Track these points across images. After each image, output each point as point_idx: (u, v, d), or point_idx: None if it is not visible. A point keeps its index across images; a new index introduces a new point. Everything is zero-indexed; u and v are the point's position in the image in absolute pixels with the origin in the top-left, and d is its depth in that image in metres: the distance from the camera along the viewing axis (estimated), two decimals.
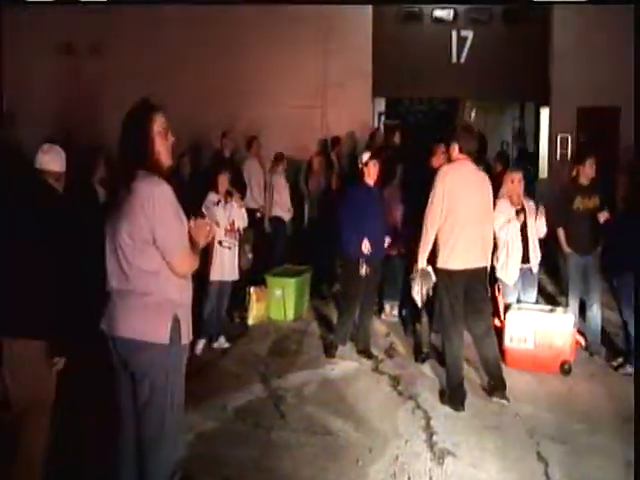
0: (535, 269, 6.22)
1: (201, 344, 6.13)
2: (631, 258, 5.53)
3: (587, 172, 6.33)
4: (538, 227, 6.17)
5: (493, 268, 6.05)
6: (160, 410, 2.99)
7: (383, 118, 12.48)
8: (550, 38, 10.88)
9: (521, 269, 6.14)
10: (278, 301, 7.20)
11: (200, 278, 5.56)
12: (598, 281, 6.33)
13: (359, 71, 10.65)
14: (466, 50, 11.09)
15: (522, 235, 6.08)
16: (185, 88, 10.27)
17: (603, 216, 5.97)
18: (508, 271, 6.11)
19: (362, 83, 10.74)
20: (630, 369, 5.74)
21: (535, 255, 6.17)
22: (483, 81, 11.08)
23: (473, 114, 14.43)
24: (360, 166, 6.20)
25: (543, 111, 11.63)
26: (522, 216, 6.02)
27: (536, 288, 6.37)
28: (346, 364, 5.97)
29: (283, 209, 8.53)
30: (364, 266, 5.96)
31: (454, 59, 11.11)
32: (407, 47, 10.96)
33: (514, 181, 6.16)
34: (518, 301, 6.21)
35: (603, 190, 6.39)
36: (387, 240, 6.23)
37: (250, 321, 7.08)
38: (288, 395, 5.22)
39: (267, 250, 8.10)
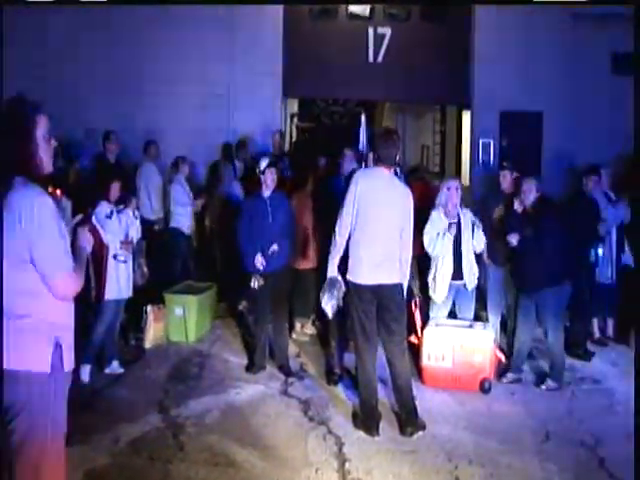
0: (471, 286, 6.42)
1: (87, 370, 6.02)
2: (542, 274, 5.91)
3: (507, 181, 6.68)
4: (476, 240, 6.36)
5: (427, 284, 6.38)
6: (39, 447, 2.89)
7: (296, 120, 12.63)
8: (471, 38, 11.32)
9: (452, 286, 6.36)
10: (178, 321, 7.16)
11: (86, 296, 5.50)
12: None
13: (268, 70, 10.74)
14: (384, 49, 11.37)
15: (455, 250, 6.28)
16: (72, 87, 10.11)
17: (513, 238, 6.17)
18: (436, 287, 6.34)
19: (271, 83, 10.83)
20: (552, 383, 6.08)
21: (470, 271, 6.37)
22: (402, 82, 11.34)
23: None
24: (257, 174, 6.29)
25: (465, 115, 12.09)
26: (454, 229, 6.23)
27: (473, 305, 6.57)
28: (252, 388, 6.01)
29: (184, 220, 8.45)
30: (256, 279, 6.14)
31: (371, 58, 11.35)
32: (321, 45, 11.10)
33: (450, 189, 6.38)
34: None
35: None
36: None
37: (147, 344, 7.00)
38: (188, 424, 5.21)
39: (165, 265, 8.04)
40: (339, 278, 5.19)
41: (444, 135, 13.69)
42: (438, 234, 6.24)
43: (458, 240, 6.30)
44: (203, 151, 9.87)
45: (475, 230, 6.36)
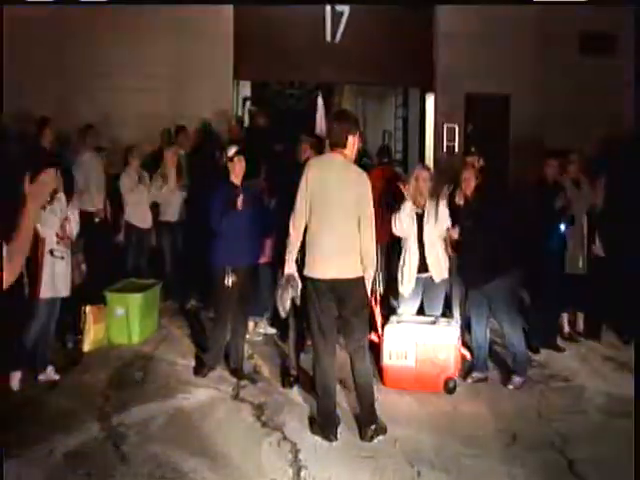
0: (438, 278, 6.44)
1: (17, 377, 5.88)
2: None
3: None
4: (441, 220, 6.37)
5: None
6: None
7: (248, 104, 12.53)
8: (435, 17, 11.37)
9: (419, 279, 6.40)
10: (120, 322, 7.07)
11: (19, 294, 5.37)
12: None
13: (218, 50, 10.63)
14: (342, 28, 11.36)
15: (420, 240, 6.36)
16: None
17: (454, 233, 6.25)
18: (403, 281, 6.40)
19: (222, 64, 10.73)
20: (518, 379, 6.16)
21: (437, 263, 6.40)
22: (361, 63, 11.35)
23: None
24: (224, 162, 6.24)
25: (428, 98, 12.14)
26: (414, 219, 6.32)
27: (442, 299, 6.60)
28: (202, 392, 5.95)
29: (137, 214, 8.40)
30: (230, 275, 6.05)
31: (328, 38, 11.33)
32: (275, 24, 11.03)
33: (418, 179, 6.42)
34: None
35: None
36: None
37: (86, 347, 6.88)
38: (131, 433, 5.13)
39: (105, 261, 7.91)
40: (296, 274, 5.17)
41: (406, 120, 13.72)
42: (406, 217, 6.35)
43: (422, 230, 6.38)
44: (147, 138, 9.71)
45: (440, 209, 6.38)
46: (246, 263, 6.26)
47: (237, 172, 6.25)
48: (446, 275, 6.49)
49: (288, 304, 5.27)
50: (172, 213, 8.47)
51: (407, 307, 6.50)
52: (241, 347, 6.44)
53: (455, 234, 6.25)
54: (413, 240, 6.39)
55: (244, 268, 6.23)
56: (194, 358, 6.69)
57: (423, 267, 6.38)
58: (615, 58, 11.18)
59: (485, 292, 6.16)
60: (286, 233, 5.24)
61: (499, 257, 6.02)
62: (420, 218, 6.41)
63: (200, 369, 6.34)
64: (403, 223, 6.39)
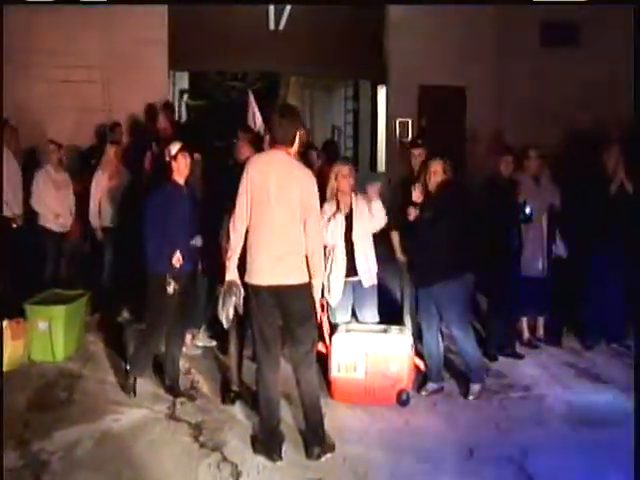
0: (368, 283, 6.48)
1: None
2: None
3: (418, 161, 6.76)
4: (375, 217, 6.40)
5: None
6: None
7: (186, 97, 12.48)
8: (387, 6, 11.43)
9: (347, 283, 6.42)
10: (42, 337, 6.92)
11: None
12: None
13: (152, 39, 10.53)
14: (286, 15, 11.36)
15: (347, 241, 6.36)
16: None
17: (411, 213, 6.24)
18: (330, 287, 6.39)
19: (156, 54, 10.65)
20: (475, 386, 6.22)
21: (366, 266, 6.44)
22: (308, 53, 11.38)
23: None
24: (168, 159, 6.16)
25: (380, 91, 12.22)
26: (340, 219, 6.31)
27: (374, 305, 6.62)
28: (134, 412, 5.86)
29: (52, 217, 8.29)
30: (172, 283, 5.98)
31: (272, 26, 11.34)
32: (214, 10, 10.96)
33: (337, 176, 6.42)
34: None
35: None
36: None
37: (3, 366, 6.71)
38: (54, 460, 5.01)
39: (24, 271, 7.76)
40: (238, 281, 5.14)
41: (357, 114, 13.80)
42: (329, 219, 6.33)
43: (350, 231, 6.39)
44: (85, 133, 9.60)
45: (372, 206, 6.38)
46: (187, 270, 6.18)
47: (181, 171, 6.14)
48: (375, 281, 6.54)
49: (231, 313, 5.22)
50: (106, 217, 8.35)
51: (339, 316, 6.51)
52: (177, 361, 6.36)
53: (411, 216, 6.20)
54: (340, 244, 6.38)
55: (185, 275, 6.16)
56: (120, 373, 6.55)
57: (352, 271, 6.41)
58: (577, 49, 11.38)
59: (435, 294, 6.20)
60: (223, 237, 5.24)
61: (454, 257, 6.07)
62: (346, 219, 6.38)
63: (125, 382, 6.20)
64: (327, 228, 6.32)
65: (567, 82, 11.16)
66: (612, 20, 10.52)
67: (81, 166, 9.09)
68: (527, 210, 7.08)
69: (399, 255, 6.77)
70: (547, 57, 11.27)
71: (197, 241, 6.18)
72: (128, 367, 6.25)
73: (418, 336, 6.70)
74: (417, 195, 6.19)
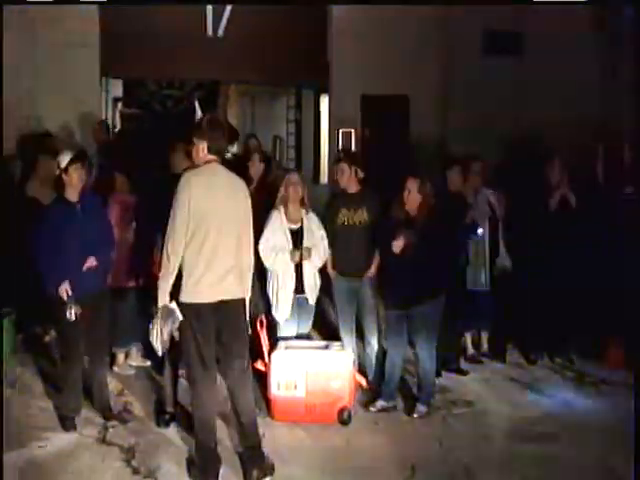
0: (313, 299, 6.63)
1: None
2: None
3: (345, 177, 6.79)
4: (319, 254, 6.56)
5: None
6: None
7: (120, 106, 12.39)
8: (330, 14, 11.51)
9: (294, 299, 6.52)
10: None
11: None
12: (373, 310, 6.89)
13: (81, 43, 10.40)
14: (225, 20, 11.34)
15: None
16: None
17: (397, 246, 6.25)
18: (279, 306, 6.49)
19: (86, 59, 10.48)
20: (423, 407, 6.31)
21: (314, 283, 6.61)
22: (248, 60, 11.35)
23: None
24: (57, 172, 5.92)
25: (323, 100, 12.29)
26: (288, 234, 6.42)
27: (312, 319, 6.81)
28: (61, 438, 5.77)
29: None
30: (71, 309, 5.75)
31: (210, 32, 11.29)
32: (148, 14, 10.86)
33: (287, 185, 6.49)
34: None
35: (376, 199, 6.87)
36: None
37: None
38: None
39: None
40: (173, 306, 5.08)
41: (300, 124, 13.84)
42: (277, 251, 6.40)
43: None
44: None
45: (321, 240, 6.56)
46: (91, 290, 5.96)
47: (74, 185, 5.90)
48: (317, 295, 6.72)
49: (167, 339, 5.14)
50: None
51: (286, 332, 6.60)
52: (104, 383, 6.26)
53: (397, 248, 6.21)
54: (288, 263, 6.46)
55: (90, 295, 5.93)
56: (54, 407, 6.36)
57: (299, 288, 6.53)
58: (521, 58, 11.62)
59: (411, 316, 6.30)
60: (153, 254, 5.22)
61: (433, 278, 6.20)
62: (296, 233, 6.48)
63: (65, 421, 6.00)
64: (272, 242, 6.40)
65: (511, 90, 11.35)
66: (554, 24, 10.82)
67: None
68: (479, 231, 7.27)
69: (329, 270, 6.85)
70: (490, 66, 11.44)
71: (91, 262, 5.92)
72: (62, 408, 6.10)
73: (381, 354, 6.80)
74: (398, 245, 6.20)
